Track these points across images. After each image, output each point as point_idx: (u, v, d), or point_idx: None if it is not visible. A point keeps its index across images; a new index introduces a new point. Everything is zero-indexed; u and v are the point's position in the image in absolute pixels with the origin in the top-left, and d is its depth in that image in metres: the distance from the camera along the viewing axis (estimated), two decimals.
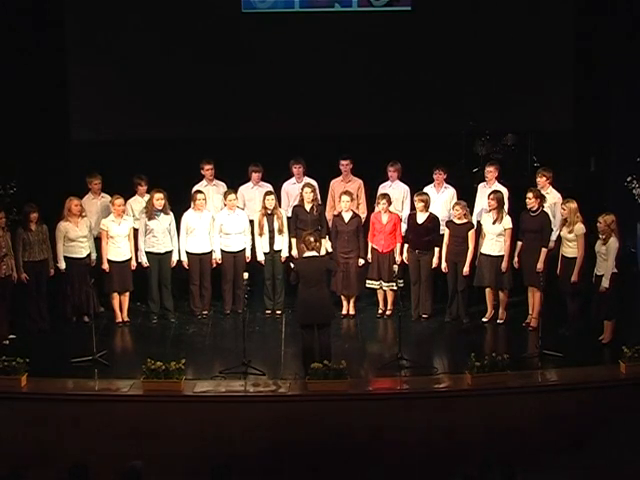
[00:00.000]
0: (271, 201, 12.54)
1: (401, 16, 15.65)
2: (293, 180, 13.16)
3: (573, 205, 11.73)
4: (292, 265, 11.44)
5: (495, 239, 12.10)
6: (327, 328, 10.86)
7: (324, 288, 10.96)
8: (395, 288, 11.96)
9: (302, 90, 15.57)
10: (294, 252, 12.58)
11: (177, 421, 10.20)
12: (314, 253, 10.91)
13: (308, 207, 12.60)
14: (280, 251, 12.67)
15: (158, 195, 12.37)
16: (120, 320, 12.45)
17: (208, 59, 15.47)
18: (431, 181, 12.87)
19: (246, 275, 11.53)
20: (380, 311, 12.66)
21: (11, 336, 11.80)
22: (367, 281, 12.57)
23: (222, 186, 13.11)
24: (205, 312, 12.73)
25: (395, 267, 11.73)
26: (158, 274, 12.50)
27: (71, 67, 15.43)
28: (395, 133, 15.33)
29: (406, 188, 12.98)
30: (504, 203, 12.26)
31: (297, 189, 12.98)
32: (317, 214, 12.61)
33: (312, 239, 10.91)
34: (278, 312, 12.75)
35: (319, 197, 12.82)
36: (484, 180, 12.92)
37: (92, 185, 12.78)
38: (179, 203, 12.78)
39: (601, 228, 11.33)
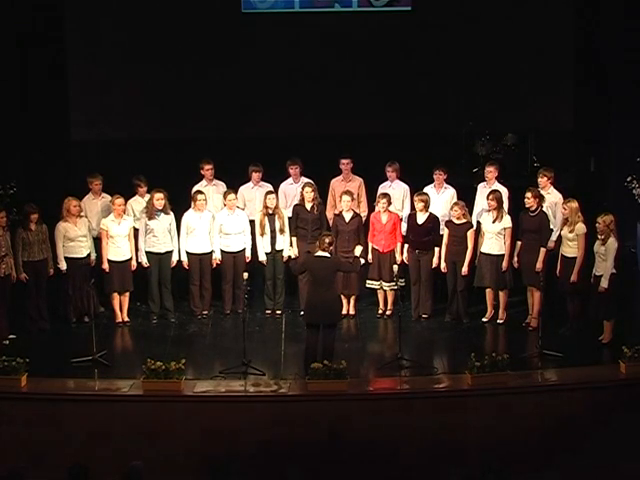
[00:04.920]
0: (272, 201, 12.54)
1: (401, 16, 15.67)
2: (290, 180, 13.15)
3: (574, 205, 11.73)
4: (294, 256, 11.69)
5: (495, 238, 12.10)
6: (332, 329, 10.85)
7: (332, 289, 10.96)
8: (395, 288, 11.96)
9: (302, 90, 15.58)
10: (295, 251, 12.58)
11: (177, 421, 10.20)
12: (326, 254, 10.90)
13: (309, 206, 12.60)
14: (281, 251, 12.67)
15: (158, 195, 12.37)
16: (120, 320, 12.44)
17: (208, 59, 15.49)
18: (431, 181, 12.87)
19: (246, 275, 11.54)
20: (380, 311, 12.67)
21: (11, 336, 11.79)
22: (367, 281, 12.58)
23: (222, 186, 13.10)
24: (205, 312, 12.72)
25: (395, 267, 11.73)
26: (158, 274, 12.50)
27: (71, 67, 15.44)
28: (395, 133, 15.34)
29: (406, 187, 12.98)
30: (503, 202, 12.26)
31: (294, 189, 13.00)
32: (317, 213, 12.61)
33: (327, 241, 10.90)
34: (278, 312, 12.74)
35: (318, 196, 12.82)
36: (484, 180, 12.93)
37: (93, 185, 12.77)
38: (179, 203, 12.78)
39: (600, 228, 11.33)
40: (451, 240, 12.26)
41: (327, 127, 15.44)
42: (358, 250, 11.60)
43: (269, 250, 12.64)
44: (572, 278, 11.65)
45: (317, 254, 10.93)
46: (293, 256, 12.55)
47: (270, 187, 13.00)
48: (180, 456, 10.07)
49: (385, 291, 12.55)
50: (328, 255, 10.93)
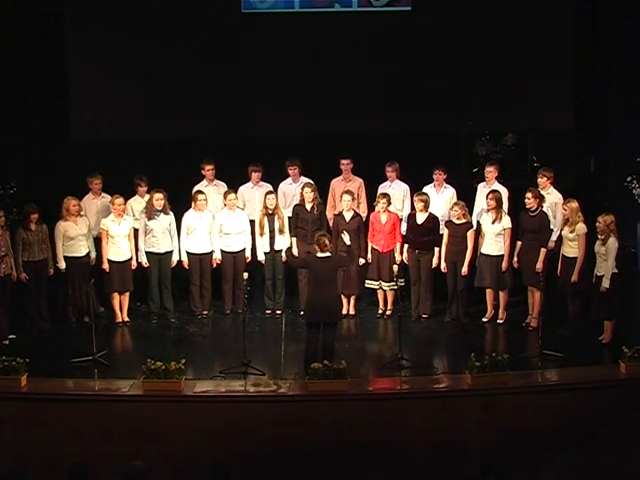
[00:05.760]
0: (272, 201, 12.54)
1: (401, 16, 15.70)
2: (289, 180, 13.15)
3: (574, 205, 11.73)
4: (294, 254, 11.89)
5: (495, 239, 12.11)
6: (332, 329, 10.85)
7: (333, 288, 10.96)
8: (395, 288, 11.96)
9: (302, 90, 15.59)
10: (294, 251, 12.57)
11: (177, 421, 10.19)
12: (327, 254, 10.89)
13: (309, 206, 12.60)
14: (281, 251, 12.67)
15: (158, 195, 12.37)
16: (120, 320, 12.44)
17: (208, 59, 15.50)
18: (431, 181, 12.87)
19: (246, 275, 11.54)
20: (380, 311, 12.66)
21: (11, 336, 11.79)
22: (366, 281, 12.57)
23: (222, 186, 13.10)
24: (205, 312, 12.72)
25: (395, 267, 11.72)
26: (158, 274, 12.50)
27: (71, 67, 15.46)
28: (395, 133, 15.34)
29: (406, 187, 12.98)
30: (502, 203, 12.27)
31: (293, 189, 13.01)
32: (317, 213, 12.61)
33: (327, 241, 10.88)
34: (278, 312, 12.74)
35: (318, 196, 12.82)
36: (484, 180, 12.93)
37: (92, 185, 12.77)
38: (179, 203, 12.79)
39: (600, 228, 11.33)
40: (451, 240, 12.26)
41: (327, 127, 15.44)
42: (345, 237, 11.51)
43: (268, 250, 12.64)
44: (573, 278, 11.65)
45: (319, 255, 10.91)
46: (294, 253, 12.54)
47: (270, 187, 13.00)
48: (180, 456, 10.06)
49: (385, 291, 12.54)
50: (329, 255, 10.93)
